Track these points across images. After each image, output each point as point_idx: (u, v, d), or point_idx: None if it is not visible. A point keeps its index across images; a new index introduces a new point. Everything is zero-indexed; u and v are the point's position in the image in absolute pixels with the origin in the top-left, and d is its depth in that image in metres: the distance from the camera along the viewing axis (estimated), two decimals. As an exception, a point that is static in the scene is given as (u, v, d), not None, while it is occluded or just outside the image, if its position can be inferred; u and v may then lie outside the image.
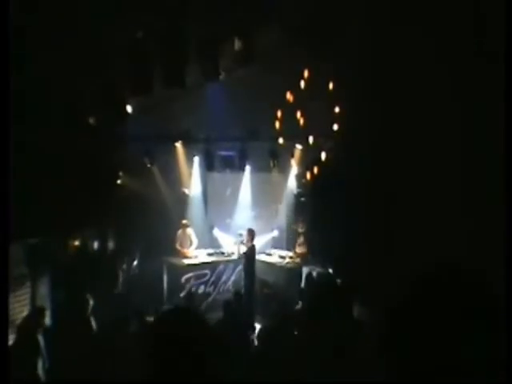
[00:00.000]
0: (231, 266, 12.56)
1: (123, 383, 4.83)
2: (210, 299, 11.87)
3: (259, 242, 13.37)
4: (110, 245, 12.21)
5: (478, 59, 4.56)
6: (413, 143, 6.18)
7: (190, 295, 10.72)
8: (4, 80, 2.94)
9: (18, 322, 7.69)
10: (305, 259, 11.77)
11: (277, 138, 11.65)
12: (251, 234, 11.61)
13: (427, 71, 5.67)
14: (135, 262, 12.32)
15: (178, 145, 13.06)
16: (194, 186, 14.04)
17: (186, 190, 13.88)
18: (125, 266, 11.99)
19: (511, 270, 4.04)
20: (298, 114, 10.40)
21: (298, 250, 12.21)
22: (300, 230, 12.36)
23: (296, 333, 6.84)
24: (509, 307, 1.25)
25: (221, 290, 12.15)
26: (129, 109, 9.55)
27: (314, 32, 8.17)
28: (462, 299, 1.26)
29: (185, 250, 12.37)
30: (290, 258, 11.97)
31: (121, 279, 11.57)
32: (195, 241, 12.45)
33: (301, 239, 12.30)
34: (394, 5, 6.15)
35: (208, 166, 13.04)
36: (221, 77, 8.85)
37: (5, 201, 2.84)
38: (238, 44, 7.79)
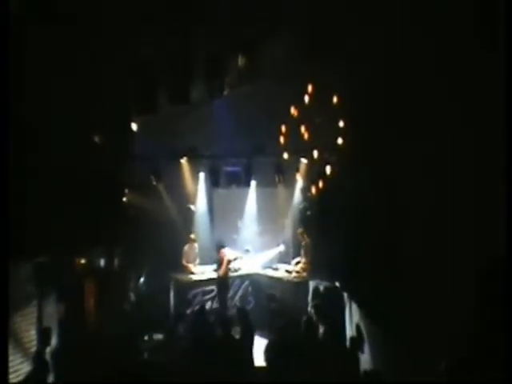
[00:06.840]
0: (237, 281, 12.54)
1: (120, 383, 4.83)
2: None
3: (266, 256, 13.37)
4: (117, 262, 12.20)
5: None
6: (420, 156, 6.17)
7: (202, 310, 10.58)
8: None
9: (25, 340, 7.71)
10: (308, 272, 11.70)
11: (282, 153, 11.67)
12: None
13: (436, 84, 5.65)
14: (142, 279, 12.30)
15: (184, 161, 13.09)
16: (199, 202, 14.06)
17: (192, 206, 13.89)
18: (132, 283, 11.98)
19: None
20: (303, 129, 10.42)
21: (300, 263, 12.15)
22: (302, 243, 12.28)
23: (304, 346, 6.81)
24: (509, 307, 1.27)
25: (227, 305, 12.12)
26: (134, 126, 9.61)
27: (318, 45, 8.20)
28: None
29: (191, 266, 12.42)
30: (297, 272, 11.92)
31: (128, 296, 11.55)
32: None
33: (302, 252, 12.23)
34: (399, 17, 6.18)
35: (214, 181, 13.03)
36: (225, 93, 8.89)
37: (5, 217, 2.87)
38: (241, 60, 7.83)
